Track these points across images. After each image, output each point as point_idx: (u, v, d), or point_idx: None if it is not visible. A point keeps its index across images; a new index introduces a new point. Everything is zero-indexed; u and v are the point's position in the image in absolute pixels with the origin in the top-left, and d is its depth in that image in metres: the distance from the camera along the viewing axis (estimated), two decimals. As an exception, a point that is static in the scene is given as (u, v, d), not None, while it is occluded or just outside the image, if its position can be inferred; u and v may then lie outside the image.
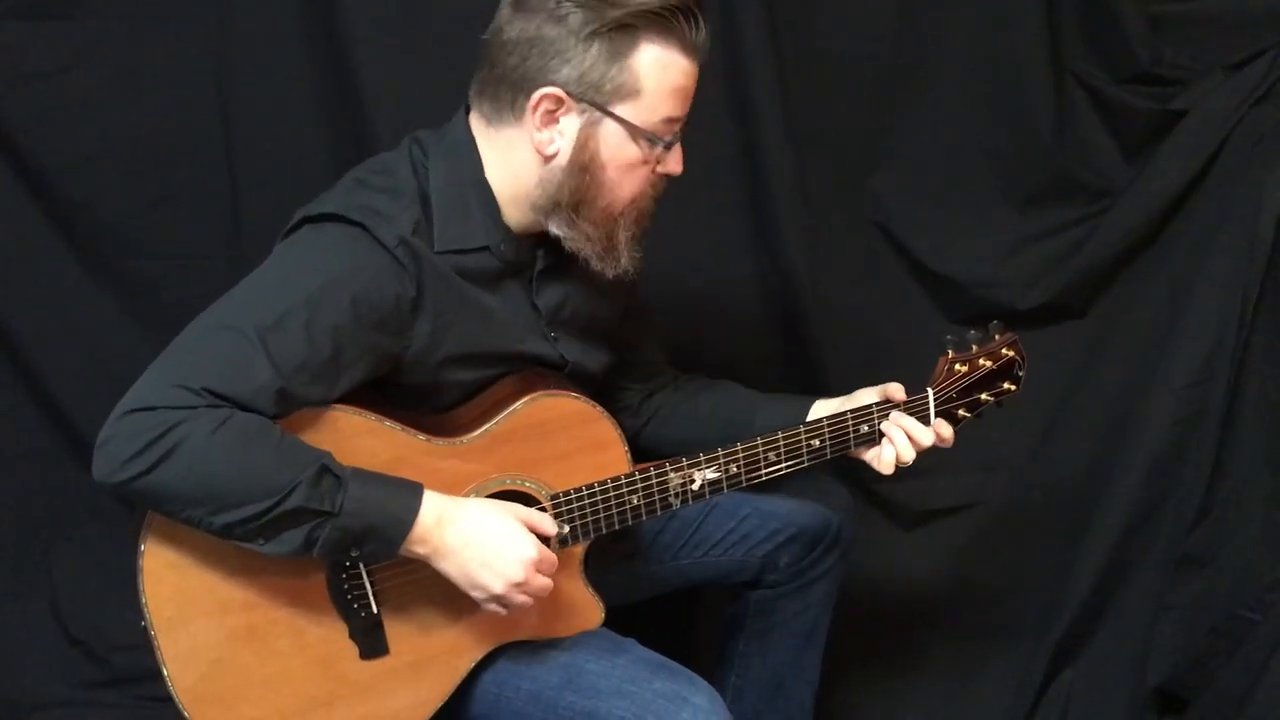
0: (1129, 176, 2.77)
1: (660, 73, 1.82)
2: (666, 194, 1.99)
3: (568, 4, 1.79)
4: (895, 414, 2.09)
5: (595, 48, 1.79)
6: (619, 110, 1.83)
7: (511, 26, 1.82)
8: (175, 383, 1.65)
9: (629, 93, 1.82)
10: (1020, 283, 2.86)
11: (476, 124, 1.92)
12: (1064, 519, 2.82)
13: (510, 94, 1.84)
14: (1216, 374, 2.58)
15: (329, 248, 1.80)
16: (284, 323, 1.71)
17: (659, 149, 1.89)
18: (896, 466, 2.09)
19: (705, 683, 1.93)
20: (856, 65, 2.82)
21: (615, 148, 1.86)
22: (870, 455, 2.12)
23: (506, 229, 1.92)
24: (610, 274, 1.94)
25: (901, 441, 2.07)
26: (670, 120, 1.87)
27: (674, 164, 1.93)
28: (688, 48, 1.83)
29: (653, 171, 1.91)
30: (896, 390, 2.11)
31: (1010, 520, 2.92)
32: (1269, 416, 2.58)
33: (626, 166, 1.88)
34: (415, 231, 1.82)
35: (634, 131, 1.85)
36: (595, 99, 1.82)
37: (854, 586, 2.54)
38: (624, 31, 1.79)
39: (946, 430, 2.12)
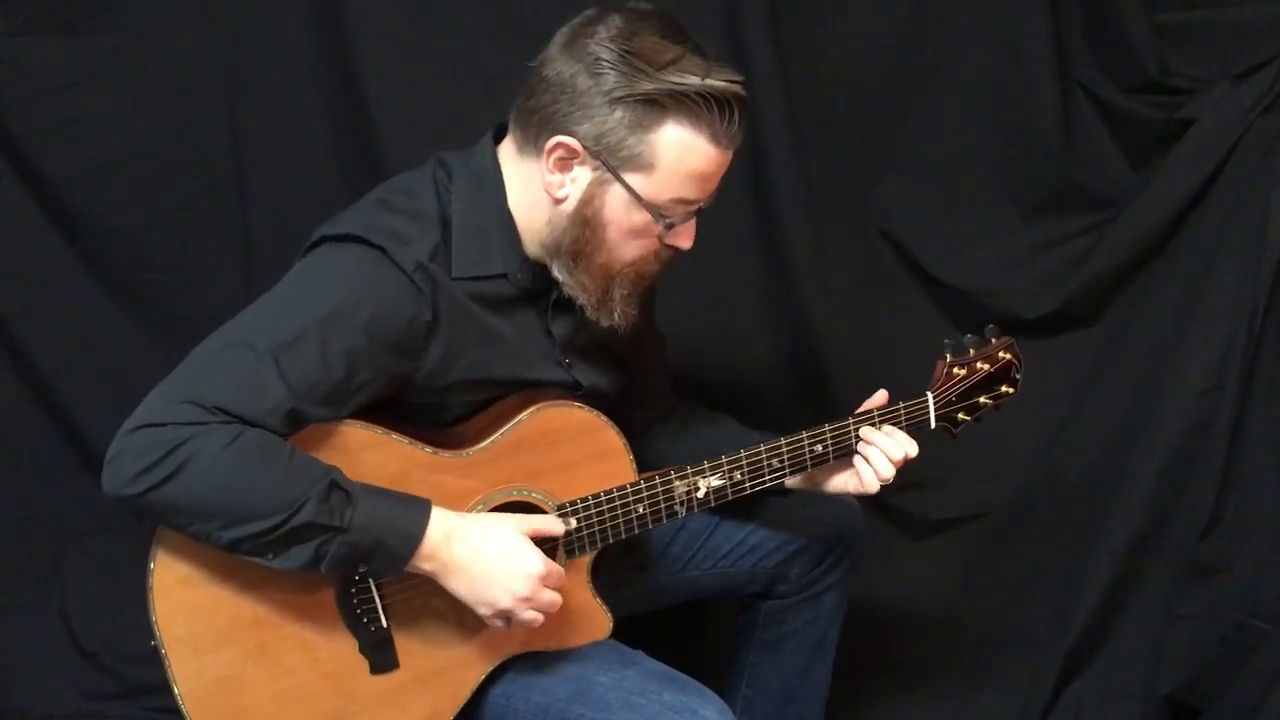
0: (1136, 185, 2.77)
1: (679, 155, 1.79)
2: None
3: (606, 63, 1.76)
4: (865, 431, 2.07)
5: (619, 113, 1.76)
6: (629, 179, 1.81)
7: (553, 65, 1.80)
8: (186, 399, 1.66)
9: (643, 165, 1.79)
10: (1028, 292, 2.86)
11: (507, 149, 1.91)
12: (1073, 528, 2.81)
13: (535, 129, 1.83)
14: (1226, 382, 2.57)
15: (347, 269, 1.80)
16: (298, 343, 1.71)
17: (661, 225, 1.86)
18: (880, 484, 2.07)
19: (715, 695, 1.94)
20: (862, 75, 2.83)
21: (619, 211, 1.84)
22: (851, 486, 2.11)
23: (525, 257, 1.92)
24: (603, 324, 1.94)
25: (878, 459, 2.05)
26: (681, 201, 1.84)
27: (683, 240, 1.91)
28: (716, 137, 1.79)
29: (658, 242, 1.89)
30: (880, 398, 2.11)
31: (1019, 530, 2.92)
32: (1278, 425, 2.57)
33: (629, 232, 1.86)
34: (434, 257, 1.82)
35: (640, 202, 1.83)
36: (608, 160, 1.80)
37: (863, 597, 2.54)
38: (651, 106, 1.76)
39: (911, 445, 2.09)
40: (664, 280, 2.31)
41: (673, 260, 1.96)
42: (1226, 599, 2.56)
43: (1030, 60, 2.79)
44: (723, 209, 2.68)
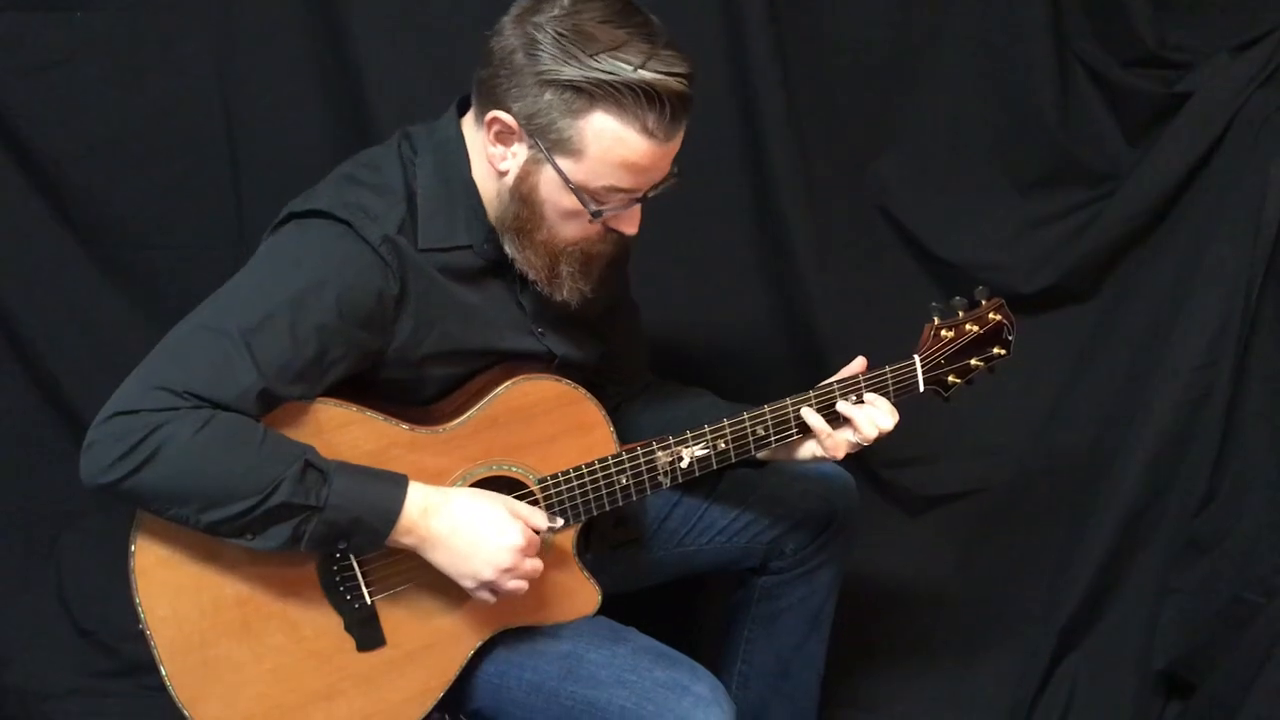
0: (1133, 160, 2.76)
1: (609, 144, 1.75)
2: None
3: (545, 44, 1.72)
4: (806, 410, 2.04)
5: (549, 95, 1.73)
6: (560, 162, 1.77)
7: (501, 37, 1.77)
8: (158, 385, 1.66)
9: (572, 150, 1.76)
10: (1025, 267, 2.85)
11: (470, 120, 1.90)
12: (1069, 504, 2.81)
13: (483, 101, 1.82)
14: (1221, 357, 2.57)
15: (314, 246, 1.80)
16: (268, 324, 1.71)
17: (590, 212, 1.82)
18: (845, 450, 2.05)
19: (706, 671, 1.94)
20: (859, 50, 2.81)
21: (553, 192, 1.81)
22: (819, 452, 2.08)
23: (490, 228, 1.90)
24: (556, 299, 1.92)
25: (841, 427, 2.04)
26: (614, 190, 1.80)
27: (625, 226, 1.87)
28: (648, 130, 1.74)
29: (596, 223, 1.84)
30: (859, 364, 2.09)
31: (1015, 505, 2.91)
32: (1274, 400, 2.57)
33: (564, 212, 1.83)
34: (400, 230, 1.82)
35: (568, 187, 1.79)
36: (540, 141, 1.77)
37: (859, 572, 2.54)
38: (579, 93, 1.72)
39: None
40: (662, 255, 2.31)
41: (624, 240, 1.92)
42: (1221, 573, 2.56)
43: (1028, 34, 2.77)
44: (720, 184, 2.72)
